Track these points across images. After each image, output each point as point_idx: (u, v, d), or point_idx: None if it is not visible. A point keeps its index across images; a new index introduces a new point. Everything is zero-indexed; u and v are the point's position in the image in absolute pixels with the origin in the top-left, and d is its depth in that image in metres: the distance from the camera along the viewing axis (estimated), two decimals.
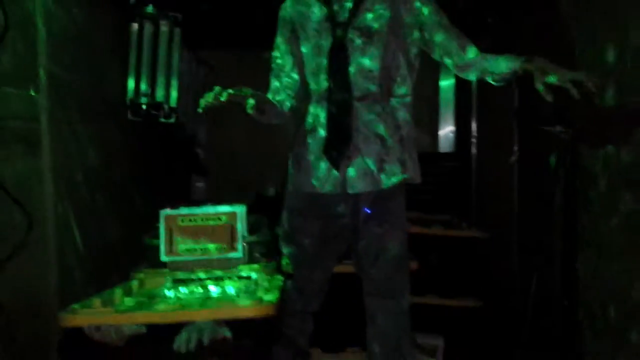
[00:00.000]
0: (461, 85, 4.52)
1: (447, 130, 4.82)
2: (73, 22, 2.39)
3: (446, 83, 4.75)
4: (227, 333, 1.72)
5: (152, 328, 1.72)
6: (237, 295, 2.00)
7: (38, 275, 1.96)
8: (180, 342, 1.68)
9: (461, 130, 4.61)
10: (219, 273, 2.29)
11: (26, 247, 1.87)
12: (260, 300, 1.87)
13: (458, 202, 4.12)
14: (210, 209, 2.50)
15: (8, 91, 1.87)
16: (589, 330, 2.59)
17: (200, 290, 2.06)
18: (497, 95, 3.44)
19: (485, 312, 3.36)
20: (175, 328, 1.73)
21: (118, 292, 1.98)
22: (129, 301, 1.91)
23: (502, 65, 2.22)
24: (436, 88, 4.77)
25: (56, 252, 2.04)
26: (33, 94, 2.02)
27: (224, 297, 1.96)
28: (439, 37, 2.33)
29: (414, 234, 3.07)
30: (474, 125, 4.38)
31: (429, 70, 4.47)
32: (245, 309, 1.81)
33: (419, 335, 3.20)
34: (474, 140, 4.37)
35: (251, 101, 2.12)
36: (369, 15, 2.30)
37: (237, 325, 1.72)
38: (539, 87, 2.06)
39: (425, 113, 4.74)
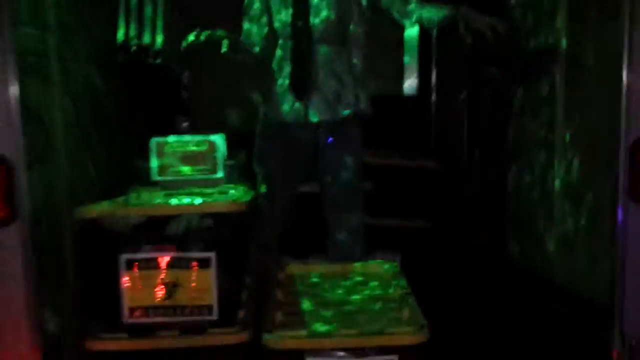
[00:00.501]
0: (423, 37, 4.93)
1: (411, 78, 5.23)
2: None
3: (410, 35, 5.15)
4: (210, 224, 2.18)
5: (151, 218, 2.19)
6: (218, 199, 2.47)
7: (55, 181, 2.41)
8: (172, 227, 2.14)
9: (423, 77, 5.03)
10: (202, 190, 2.74)
11: (45, 160, 2.31)
12: (236, 199, 2.36)
13: (419, 139, 4.57)
14: (194, 137, 2.93)
15: (26, 31, 2.27)
16: (515, 235, 3.10)
17: (188, 199, 2.51)
18: (453, 46, 3.88)
19: (435, 233, 3.86)
20: (167, 219, 2.20)
21: (121, 199, 2.43)
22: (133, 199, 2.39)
23: (435, 13, 2.67)
24: (400, 40, 5.17)
25: (68, 165, 2.49)
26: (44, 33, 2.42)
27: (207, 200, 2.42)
28: None
29: (377, 164, 3.55)
30: (434, 72, 4.80)
31: (395, 25, 4.88)
32: (224, 204, 2.30)
33: (378, 253, 3.69)
34: (433, 85, 4.80)
35: (226, 41, 2.55)
36: None
37: (218, 218, 2.19)
38: (461, 31, 2.52)
39: (392, 63, 5.14)
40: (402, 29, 5.08)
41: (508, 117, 3.20)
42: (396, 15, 2.80)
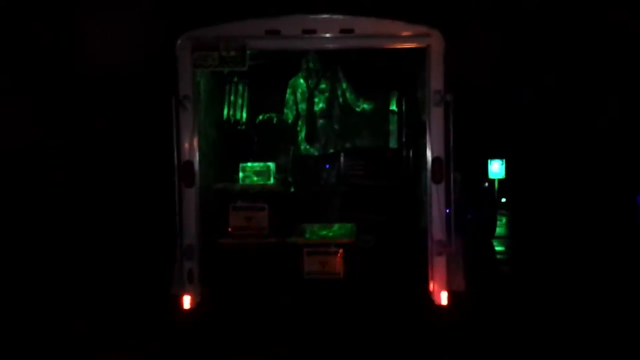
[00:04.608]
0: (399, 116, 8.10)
1: (393, 137, 8.38)
2: None
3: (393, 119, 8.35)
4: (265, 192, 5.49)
5: (243, 189, 5.55)
6: None
7: (207, 170, 5.77)
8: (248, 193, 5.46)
9: (399, 137, 8.18)
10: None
11: (205, 162, 5.67)
12: (274, 185, 5.71)
13: (394, 169, 7.57)
14: (259, 163, 6.19)
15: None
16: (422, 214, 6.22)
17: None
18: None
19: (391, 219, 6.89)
20: (249, 191, 5.56)
21: (230, 182, 5.77)
22: None
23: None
24: (387, 116, 8.38)
25: (212, 164, 5.84)
26: None
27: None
28: None
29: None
30: (404, 135, 7.95)
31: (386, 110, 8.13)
32: (270, 186, 5.62)
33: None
34: (404, 142, 7.92)
35: (275, 119, 5.92)
36: None
37: (268, 191, 5.49)
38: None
39: (383, 129, 8.34)
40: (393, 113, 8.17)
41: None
42: (354, 107, 6.12)
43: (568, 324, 5.81)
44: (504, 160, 13.01)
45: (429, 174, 5.31)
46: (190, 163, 5.27)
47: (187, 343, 5.20)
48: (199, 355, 5.07)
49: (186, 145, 5.27)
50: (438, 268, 5.21)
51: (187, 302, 5.15)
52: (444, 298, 5.11)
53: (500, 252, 10.67)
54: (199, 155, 5.38)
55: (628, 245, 10.07)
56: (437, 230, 5.24)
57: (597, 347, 5.19)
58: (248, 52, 5.32)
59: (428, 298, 5.18)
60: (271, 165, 6.18)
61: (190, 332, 5.24)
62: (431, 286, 5.20)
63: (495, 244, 11.17)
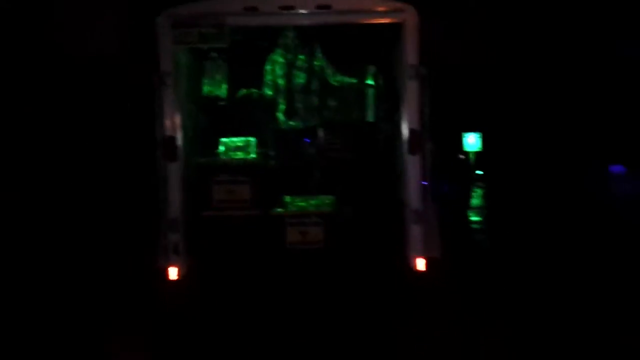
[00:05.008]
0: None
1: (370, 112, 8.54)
2: None
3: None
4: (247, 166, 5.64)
5: (224, 163, 5.69)
6: None
7: (188, 145, 5.89)
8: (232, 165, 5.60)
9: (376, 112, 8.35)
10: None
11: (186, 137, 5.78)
12: (253, 159, 5.86)
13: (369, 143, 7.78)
14: (240, 138, 6.32)
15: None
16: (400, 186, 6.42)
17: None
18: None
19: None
20: (230, 164, 5.68)
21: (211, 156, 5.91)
22: None
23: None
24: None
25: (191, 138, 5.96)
26: None
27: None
28: None
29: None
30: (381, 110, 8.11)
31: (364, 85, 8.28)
32: (250, 160, 5.77)
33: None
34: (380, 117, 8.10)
35: (255, 95, 6.04)
36: None
37: (250, 164, 5.64)
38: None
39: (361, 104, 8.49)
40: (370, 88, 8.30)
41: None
42: (332, 82, 6.26)
43: (540, 287, 6.08)
44: (480, 133, 13.20)
45: (405, 146, 5.50)
46: (172, 138, 5.40)
47: (174, 313, 5.37)
48: (186, 325, 5.24)
49: (168, 121, 5.39)
50: (415, 236, 5.43)
51: (173, 273, 5.31)
52: (420, 264, 5.33)
53: (475, 222, 10.96)
54: (182, 131, 5.51)
55: (600, 213, 10.38)
56: (413, 200, 5.44)
57: (567, 309, 5.46)
58: (227, 28, 5.43)
59: (406, 265, 5.40)
60: (252, 140, 6.32)
61: (177, 302, 5.40)
62: (408, 253, 5.42)
63: (470, 214, 11.45)
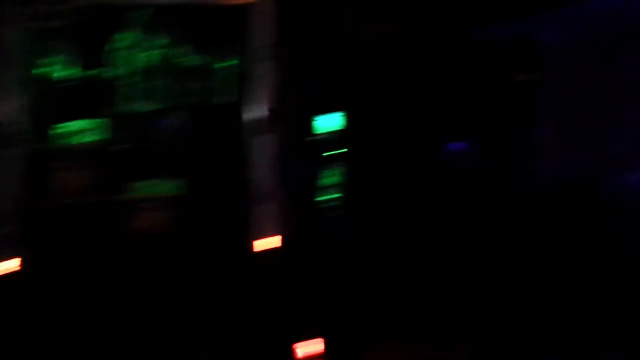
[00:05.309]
0: None
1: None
2: None
3: None
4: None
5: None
6: None
7: None
8: None
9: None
10: None
11: None
12: None
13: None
14: None
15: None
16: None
17: None
18: None
19: None
20: None
21: None
22: None
23: None
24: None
25: None
26: None
27: None
28: None
29: None
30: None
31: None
32: None
33: None
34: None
35: None
36: None
37: None
38: None
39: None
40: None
41: None
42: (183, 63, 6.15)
43: (389, 256, 6.40)
44: (335, 114, 13.53)
45: (255, 127, 5.58)
46: (5, 123, 5.12)
47: (10, 306, 5.12)
48: (25, 317, 5.04)
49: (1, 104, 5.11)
50: (262, 217, 5.53)
51: (10, 265, 5.07)
52: (266, 243, 5.46)
53: (328, 200, 11.27)
54: (16, 115, 5.24)
55: (439, 184, 11.02)
56: (261, 181, 5.54)
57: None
58: (70, 7, 5.21)
59: (252, 245, 5.49)
60: (96, 122, 6.09)
61: (14, 295, 5.16)
62: (255, 234, 5.51)
63: (324, 193, 11.74)
